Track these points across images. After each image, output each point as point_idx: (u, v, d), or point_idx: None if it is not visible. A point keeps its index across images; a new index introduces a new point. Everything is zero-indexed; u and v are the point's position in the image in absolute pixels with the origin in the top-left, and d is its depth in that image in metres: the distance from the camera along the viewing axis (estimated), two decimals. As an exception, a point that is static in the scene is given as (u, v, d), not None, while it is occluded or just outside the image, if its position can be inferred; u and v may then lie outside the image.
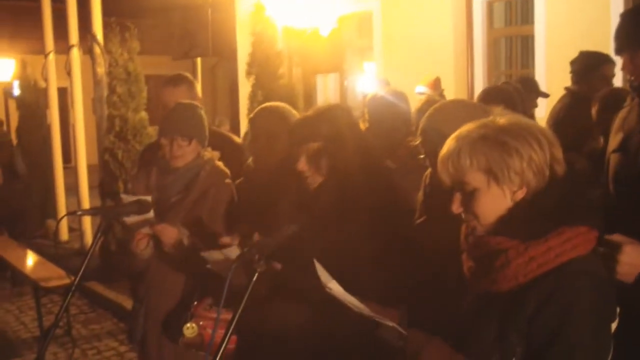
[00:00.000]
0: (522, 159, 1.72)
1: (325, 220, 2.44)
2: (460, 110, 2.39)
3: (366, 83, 9.91)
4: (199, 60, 8.11)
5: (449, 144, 1.80)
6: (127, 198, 2.84)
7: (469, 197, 1.78)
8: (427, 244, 2.30)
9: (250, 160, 3.17)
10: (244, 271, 2.04)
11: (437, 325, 1.88)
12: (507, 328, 1.72)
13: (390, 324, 1.85)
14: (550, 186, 1.74)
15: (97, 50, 7.88)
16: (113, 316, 6.85)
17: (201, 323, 2.84)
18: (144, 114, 7.68)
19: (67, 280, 4.99)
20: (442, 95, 7.08)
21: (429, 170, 2.56)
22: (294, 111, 3.11)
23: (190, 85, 3.83)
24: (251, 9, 6.86)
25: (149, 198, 2.83)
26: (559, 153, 1.77)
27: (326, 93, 9.69)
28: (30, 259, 6.89)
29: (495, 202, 1.77)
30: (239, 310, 1.95)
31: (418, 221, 2.48)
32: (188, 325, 2.82)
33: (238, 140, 3.82)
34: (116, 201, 3.02)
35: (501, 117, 1.82)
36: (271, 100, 6.00)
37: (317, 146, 2.52)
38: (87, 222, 9.05)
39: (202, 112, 3.27)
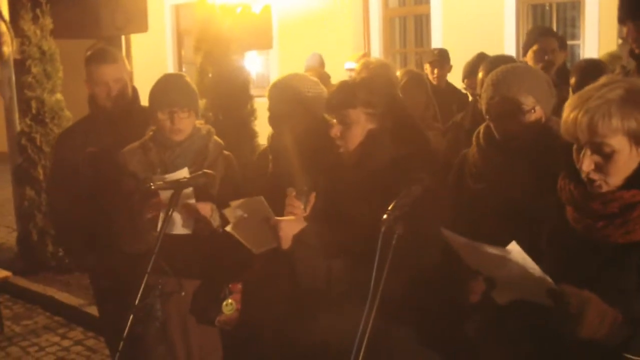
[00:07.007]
0: None
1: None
2: (528, 76, 2.44)
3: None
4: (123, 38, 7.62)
5: (588, 104, 1.79)
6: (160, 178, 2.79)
7: (606, 158, 1.81)
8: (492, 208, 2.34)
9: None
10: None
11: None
12: None
13: (549, 281, 1.78)
14: None
15: (3, 27, 7.29)
16: (44, 310, 6.46)
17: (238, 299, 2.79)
18: (59, 96, 7.22)
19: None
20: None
21: (482, 129, 2.56)
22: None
23: (124, 61, 3.57)
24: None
25: (207, 170, 2.78)
26: None
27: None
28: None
29: (631, 163, 1.82)
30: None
31: (479, 186, 2.47)
32: (227, 301, 2.76)
33: None
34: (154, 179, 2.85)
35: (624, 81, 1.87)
36: (223, 75, 5.87)
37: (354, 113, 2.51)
38: None
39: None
